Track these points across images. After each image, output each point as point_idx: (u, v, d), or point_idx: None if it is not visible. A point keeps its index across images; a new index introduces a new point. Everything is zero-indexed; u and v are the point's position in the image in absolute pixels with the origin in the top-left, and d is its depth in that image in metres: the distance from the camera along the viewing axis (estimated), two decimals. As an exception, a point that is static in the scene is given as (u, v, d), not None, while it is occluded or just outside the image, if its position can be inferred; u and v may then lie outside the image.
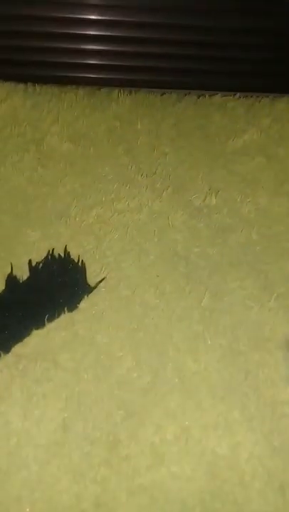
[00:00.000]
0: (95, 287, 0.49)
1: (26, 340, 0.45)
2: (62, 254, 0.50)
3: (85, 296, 0.48)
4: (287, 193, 0.59)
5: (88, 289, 0.48)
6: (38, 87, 0.65)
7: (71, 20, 0.71)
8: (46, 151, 0.59)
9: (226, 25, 0.75)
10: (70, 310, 0.47)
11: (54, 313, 0.46)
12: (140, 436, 0.40)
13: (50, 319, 0.46)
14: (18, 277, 0.48)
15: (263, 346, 0.47)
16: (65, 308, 0.47)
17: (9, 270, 0.48)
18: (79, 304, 0.47)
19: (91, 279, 0.49)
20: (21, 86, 0.65)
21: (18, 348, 0.44)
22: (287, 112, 0.68)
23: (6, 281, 0.48)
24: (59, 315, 0.46)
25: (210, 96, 0.71)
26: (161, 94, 0.69)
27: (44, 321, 0.46)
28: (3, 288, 0.47)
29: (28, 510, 0.36)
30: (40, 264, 0.49)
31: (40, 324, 0.45)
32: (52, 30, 0.71)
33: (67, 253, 0.50)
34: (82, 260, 0.50)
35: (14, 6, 0.69)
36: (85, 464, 0.39)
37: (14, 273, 0.48)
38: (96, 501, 0.37)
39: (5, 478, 0.37)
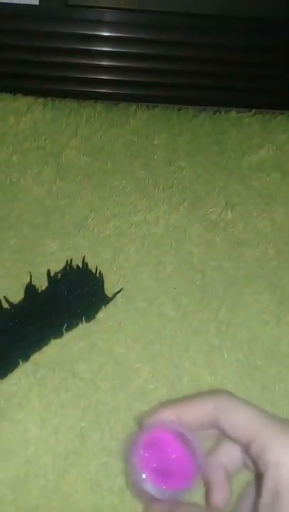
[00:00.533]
0: (112, 298, 0.49)
1: (44, 349, 0.45)
2: (81, 265, 0.51)
3: (103, 307, 0.48)
4: (302, 209, 0.60)
5: (106, 300, 0.49)
6: (57, 102, 0.66)
7: (89, 37, 0.72)
8: (65, 164, 0.60)
9: (242, 43, 0.76)
10: (88, 320, 0.47)
11: (72, 322, 0.46)
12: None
13: (68, 329, 0.46)
14: (36, 287, 0.48)
15: (279, 361, 0.47)
16: (83, 318, 0.47)
17: (28, 280, 0.49)
18: (96, 314, 0.48)
19: (108, 290, 0.50)
20: (41, 100, 0.66)
21: (36, 357, 0.44)
22: (303, 129, 0.69)
23: (25, 290, 0.48)
24: (77, 325, 0.47)
25: (226, 112, 0.71)
26: (178, 110, 0.70)
27: (62, 330, 0.46)
28: (22, 297, 0.48)
29: (45, 519, 0.37)
30: (59, 275, 0.50)
31: (58, 334, 0.46)
32: (71, 47, 0.72)
33: (85, 264, 0.51)
34: (100, 271, 0.50)
35: (33, 22, 0.70)
36: (103, 475, 0.38)
37: (33, 283, 0.49)
38: (113, 512, 0.37)
39: (23, 487, 0.37)
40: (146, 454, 0.34)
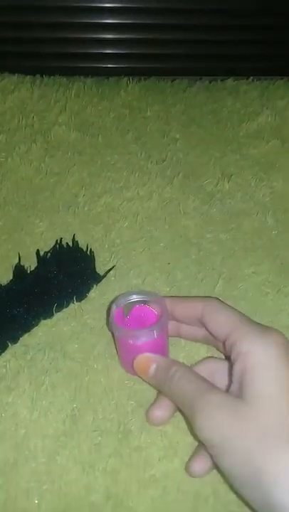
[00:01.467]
0: (104, 276, 0.47)
1: (34, 330, 0.44)
2: (71, 244, 0.49)
3: (94, 286, 0.47)
4: (303, 176, 0.57)
5: (97, 278, 0.47)
6: (45, 78, 0.64)
7: (77, 9, 0.70)
8: (54, 141, 0.58)
9: (236, 8, 0.73)
10: (80, 299, 0.46)
11: (63, 302, 0.45)
12: (152, 426, 0.39)
13: (59, 309, 0.45)
14: (25, 267, 0.47)
15: (280, 333, 0.45)
16: (74, 298, 0.46)
17: (17, 260, 0.48)
18: (88, 293, 0.46)
19: (100, 268, 0.48)
20: (29, 78, 0.64)
21: (26, 338, 0.43)
22: (303, 94, 0.66)
23: (14, 271, 0.47)
24: (68, 305, 0.45)
25: (222, 80, 0.69)
26: (172, 81, 0.68)
27: (52, 311, 0.45)
28: (11, 278, 0.47)
29: (36, 501, 0.36)
30: (48, 254, 0.48)
31: (48, 314, 0.44)
32: (58, 20, 0.70)
33: (75, 242, 0.49)
34: (90, 249, 0.49)
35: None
36: (95, 455, 0.37)
37: (22, 263, 0.48)
38: (106, 493, 0.36)
39: (13, 470, 0.37)
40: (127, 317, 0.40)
